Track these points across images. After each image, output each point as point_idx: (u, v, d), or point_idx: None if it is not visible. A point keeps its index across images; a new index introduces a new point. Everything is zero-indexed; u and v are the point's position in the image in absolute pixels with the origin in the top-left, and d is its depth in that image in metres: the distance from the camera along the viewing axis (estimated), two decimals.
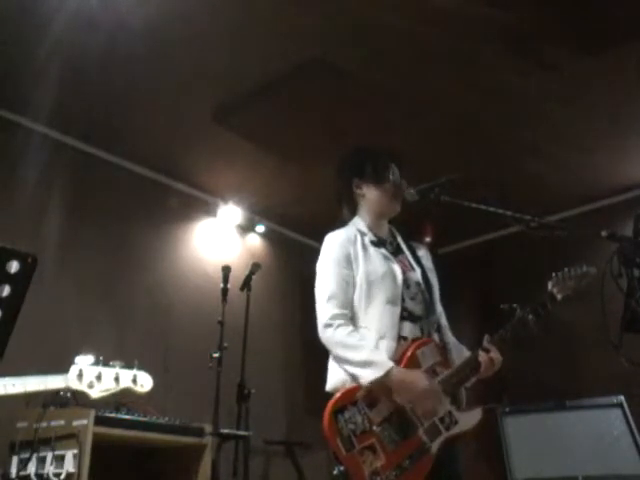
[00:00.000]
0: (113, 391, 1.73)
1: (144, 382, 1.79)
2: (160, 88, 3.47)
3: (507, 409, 3.88)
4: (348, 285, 2.00)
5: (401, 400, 1.84)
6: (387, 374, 1.81)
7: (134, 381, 1.77)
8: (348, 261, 2.03)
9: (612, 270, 1.68)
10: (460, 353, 2.03)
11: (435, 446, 1.84)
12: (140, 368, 1.79)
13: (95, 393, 1.69)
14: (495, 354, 1.90)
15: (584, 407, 3.70)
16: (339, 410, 1.81)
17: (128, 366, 1.78)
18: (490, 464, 4.04)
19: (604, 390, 3.68)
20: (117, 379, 1.73)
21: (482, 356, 1.89)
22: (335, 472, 1.76)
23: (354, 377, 1.86)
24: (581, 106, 3.64)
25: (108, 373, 1.72)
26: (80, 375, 1.66)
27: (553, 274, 1.96)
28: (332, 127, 3.77)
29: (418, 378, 1.86)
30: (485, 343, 1.92)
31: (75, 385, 1.66)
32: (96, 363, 1.71)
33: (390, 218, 2.24)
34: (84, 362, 1.69)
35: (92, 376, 1.68)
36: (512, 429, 3.81)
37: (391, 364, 1.83)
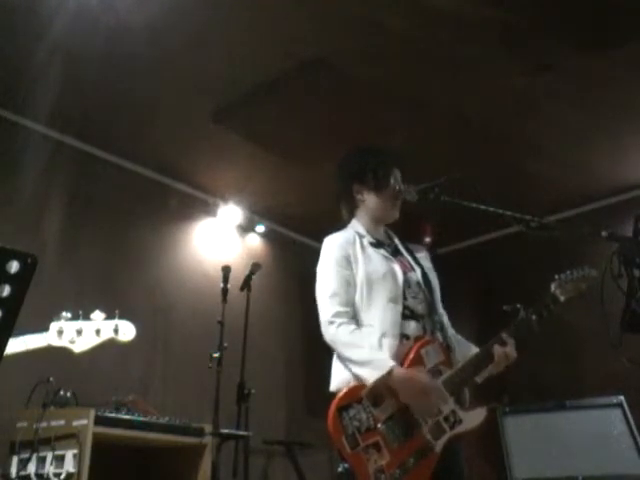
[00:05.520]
0: (96, 344, 1.70)
1: (126, 331, 1.76)
2: (160, 88, 3.48)
3: (507, 409, 3.87)
4: (349, 285, 2.00)
5: (404, 399, 1.84)
6: (388, 373, 1.81)
7: (116, 331, 1.74)
8: (348, 262, 2.03)
9: (612, 270, 1.68)
10: (467, 350, 2.03)
11: (439, 445, 1.84)
12: (122, 317, 1.76)
13: (78, 348, 1.65)
14: (510, 349, 1.91)
15: (584, 407, 3.70)
16: (344, 407, 1.81)
17: (109, 317, 1.74)
18: (490, 464, 4.04)
19: (604, 390, 3.68)
20: (98, 331, 1.70)
21: (497, 348, 1.90)
22: (340, 469, 1.77)
23: (358, 377, 1.86)
24: (581, 106, 3.63)
25: (89, 327, 1.69)
26: (60, 332, 1.63)
27: (556, 276, 1.96)
28: (332, 127, 3.77)
29: (420, 375, 1.86)
30: (503, 335, 1.93)
31: (56, 342, 1.63)
32: (75, 318, 1.67)
33: (388, 223, 2.24)
34: (63, 318, 1.66)
35: (73, 331, 1.65)
36: (512, 429, 3.80)
37: (392, 363, 1.83)
